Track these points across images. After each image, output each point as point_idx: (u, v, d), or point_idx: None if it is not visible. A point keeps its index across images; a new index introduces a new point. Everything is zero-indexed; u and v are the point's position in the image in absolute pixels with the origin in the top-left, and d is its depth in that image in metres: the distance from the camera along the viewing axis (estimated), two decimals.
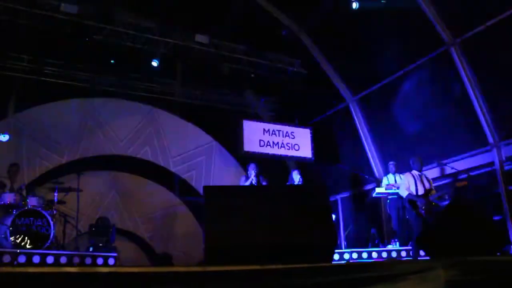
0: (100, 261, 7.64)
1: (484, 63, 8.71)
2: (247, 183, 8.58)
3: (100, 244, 8.75)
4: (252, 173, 8.73)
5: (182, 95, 11.78)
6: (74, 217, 8.52)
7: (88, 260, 7.53)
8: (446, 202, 6.81)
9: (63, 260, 7.19)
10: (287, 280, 2.80)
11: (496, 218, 8.18)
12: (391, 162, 9.32)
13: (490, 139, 8.69)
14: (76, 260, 7.40)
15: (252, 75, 11.26)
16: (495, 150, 8.62)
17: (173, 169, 11.87)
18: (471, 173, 8.72)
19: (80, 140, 10.72)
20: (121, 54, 10.58)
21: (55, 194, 8.07)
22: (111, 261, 7.74)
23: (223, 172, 12.13)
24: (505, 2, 7.95)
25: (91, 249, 8.51)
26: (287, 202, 4.33)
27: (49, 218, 7.33)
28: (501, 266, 3.65)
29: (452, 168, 8.86)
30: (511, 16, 7.96)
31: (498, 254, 6.07)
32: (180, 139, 12.03)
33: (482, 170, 8.84)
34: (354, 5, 9.41)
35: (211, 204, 4.10)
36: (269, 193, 4.63)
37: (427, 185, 7.29)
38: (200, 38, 10.26)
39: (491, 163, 8.67)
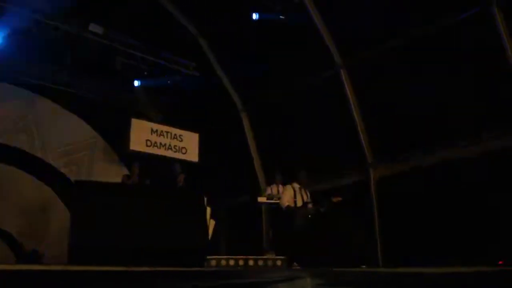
0: None
1: (367, 87, 9.29)
2: (129, 183, 8.33)
3: None
4: (135, 172, 8.51)
5: (68, 84, 11.13)
6: None
7: None
8: (321, 215, 7.14)
9: None
10: (154, 282, 2.71)
11: (364, 233, 8.70)
12: (274, 173, 9.56)
13: (367, 159, 9.29)
14: None
15: (145, 73, 10.98)
16: (370, 169, 9.23)
17: (51, 162, 11.18)
18: (348, 190, 9.22)
19: None
20: (7, 34, 9.73)
21: None
22: None
23: (105, 170, 11.61)
24: (392, 31, 8.54)
25: None
26: (162, 205, 4.23)
27: None
28: (364, 277, 3.87)
29: (332, 183, 9.35)
30: (398, 45, 8.58)
31: (363, 266, 6.47)
32: (62, 131, 11.32)
33: (358, 187, 9.38)
34: (254, 16, 9.55)
35: (80, 200, 3.88)
36: (145, 194, 4.50)
37: (305, 198, 7.59)
38: (94, 27, 9.79)
39: (366, 181, 9.25)
